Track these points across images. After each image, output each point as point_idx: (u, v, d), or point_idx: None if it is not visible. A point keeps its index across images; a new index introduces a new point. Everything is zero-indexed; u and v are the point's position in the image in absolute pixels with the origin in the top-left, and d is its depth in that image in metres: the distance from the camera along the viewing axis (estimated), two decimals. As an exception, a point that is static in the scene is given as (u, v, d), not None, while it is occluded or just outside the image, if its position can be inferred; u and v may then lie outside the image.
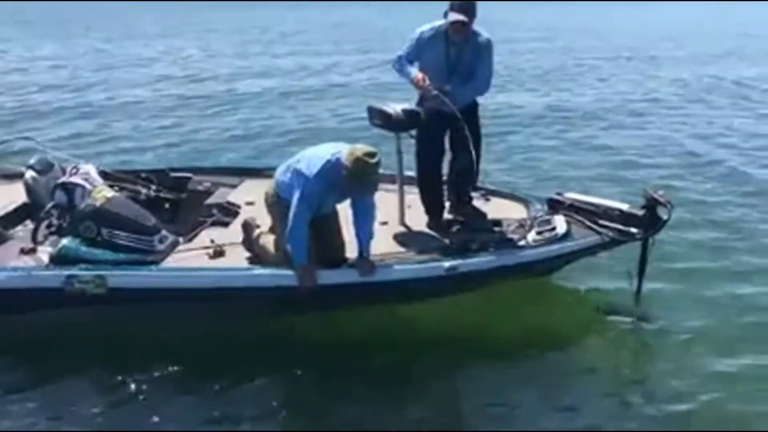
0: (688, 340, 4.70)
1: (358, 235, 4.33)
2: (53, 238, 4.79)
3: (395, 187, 5.09)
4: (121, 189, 5.31)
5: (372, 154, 4.01)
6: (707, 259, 5.93)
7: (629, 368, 4.59)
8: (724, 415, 3.96)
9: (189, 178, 5.78)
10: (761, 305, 5.15)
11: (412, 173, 5.12)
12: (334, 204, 4.37)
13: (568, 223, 4.82)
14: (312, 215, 4.17)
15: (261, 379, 4.26)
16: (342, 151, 4.10)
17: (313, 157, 4.18)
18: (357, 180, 4.04)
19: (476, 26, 4.70)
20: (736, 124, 11.14)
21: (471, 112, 4.93)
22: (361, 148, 4.05)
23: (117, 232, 4.47)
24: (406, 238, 4.85)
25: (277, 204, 4.34)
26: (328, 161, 4.11)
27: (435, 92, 4.64)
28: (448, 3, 4.63)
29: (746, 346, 4.63)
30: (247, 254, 4.61)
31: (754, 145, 9.80)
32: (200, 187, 5.70)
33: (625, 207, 4.80)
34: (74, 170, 5.23)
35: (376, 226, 4.78)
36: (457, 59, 4.75)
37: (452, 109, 4.61)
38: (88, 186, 5.03)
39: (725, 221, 6.80)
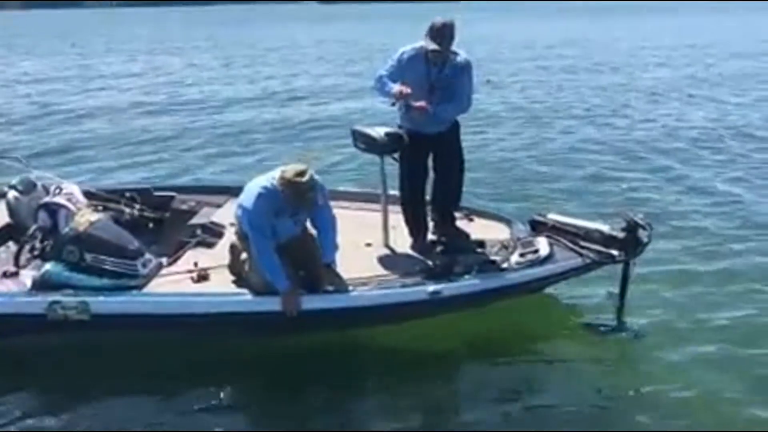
0: (668, 355, 4.73)
1: (322, 246, 4.43)
2: (36, 261, 4.75)
3: (379, 207, 5.11)
4: (105, 209, 5.29)
5: (301, 173, 4.13)
6: (688, 271, 5.96)
7: (611, 382, 4.58)
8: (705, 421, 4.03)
9: (173, 197, 5.77)
10: (742, 315, 5.20)
11: (395, 192, 5.14)
12: (292, 225, 4.41)
13: (550, 244, 4.84)
14: (273, 241, 4.27)
15: (258, 383, 4.38)
16: (275, 176, 4.23)
17: (250, 189, 4.34)
18: (295, 199, 4.18)
19: (455, 47, 4.74)
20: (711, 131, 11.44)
21: (452, 133, 4.98)
22: (290, 170, 4.15)
23: (101, 257, 4.44)
24: (390, 260, 4.88)
25: (241, 237, 4.47)
26: (264, 188, 4.25)
27: (420, 103, 4.67)
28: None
29: (731, 358, 4.67)
30: (231, 277, 4.61)
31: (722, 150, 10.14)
32: (184, 207, 5.69)
33: (605, 229, 4.83)
34: (57, 190, 5.20)
35: (361, 248, 4.86)
36: (437, 79, 4.78)
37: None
38: (71, 207, 5.00)
39: (700, 232, 6.88)
